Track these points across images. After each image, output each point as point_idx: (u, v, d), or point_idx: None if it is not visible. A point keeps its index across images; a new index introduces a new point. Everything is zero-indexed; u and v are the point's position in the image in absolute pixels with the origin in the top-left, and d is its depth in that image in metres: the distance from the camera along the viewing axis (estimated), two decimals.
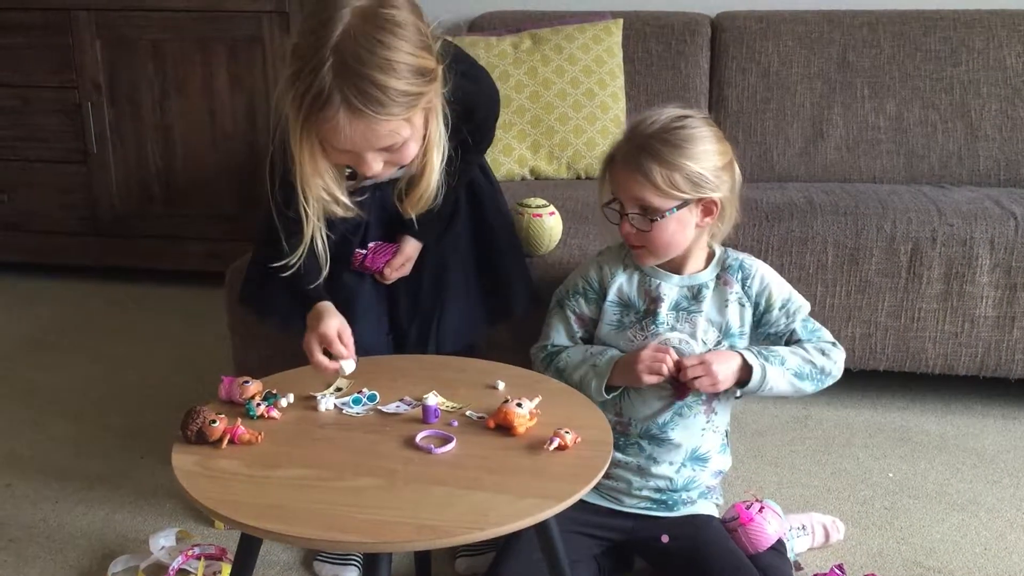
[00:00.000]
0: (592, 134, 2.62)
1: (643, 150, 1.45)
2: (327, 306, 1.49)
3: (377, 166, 1.35)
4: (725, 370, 1.46)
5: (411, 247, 1.67)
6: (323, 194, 1.39)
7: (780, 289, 1.55)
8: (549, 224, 1.93)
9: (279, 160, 1.41)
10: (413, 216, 1.54)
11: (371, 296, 1.68)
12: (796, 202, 2.25)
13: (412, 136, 1.34)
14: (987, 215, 2.14)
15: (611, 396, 1.51)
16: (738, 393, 1.53)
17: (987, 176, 2.62)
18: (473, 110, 1.56)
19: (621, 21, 2.77)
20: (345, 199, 1.43)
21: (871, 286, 2.15)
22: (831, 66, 2.70)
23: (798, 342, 1.55)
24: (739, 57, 2.75)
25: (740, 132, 2.72)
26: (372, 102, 1.25)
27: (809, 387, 1.52)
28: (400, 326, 1.70)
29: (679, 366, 1.45)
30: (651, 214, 1.47)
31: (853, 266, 2.14)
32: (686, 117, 1.48)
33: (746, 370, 1.47)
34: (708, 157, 1.46)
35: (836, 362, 1.54)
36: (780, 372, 1.49)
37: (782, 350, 1.52)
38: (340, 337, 1.42)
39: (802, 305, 1.56)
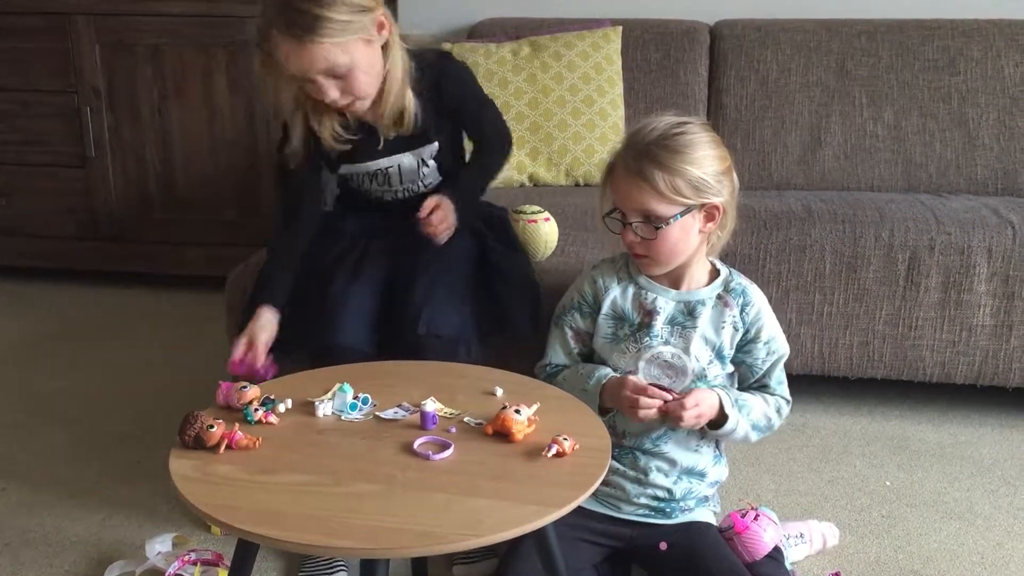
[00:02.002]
0: (591, 141, 2.63)
1: (644, 157, 1.45)
2: (268, 315, 1.65)
3: (332, 93, 1.57)
4: (708, 414, 1.47)
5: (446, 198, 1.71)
6: (299, 121, 1.64)
7: (771, 326, 1.57)
8: (544, 230, 1.93)
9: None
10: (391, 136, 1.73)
11: (360, 297, 1.68)
12: (794, 210, 2.25)
13: (357, 66, 1.56)
14: (985, 224, 2.15)
15: (608, 416, 1.52)
16: None
17: (985, 185, 2.62)
18: (460, 108, 1.77)
19: (620, 28, 2.78)
20: (329, 130, 1.67)
21: (869, 294, 2.15)
22: (829, 75, 2.71)
23: (765, 387, 1.58)
24: (738, 65, 2.76)
25: (738, 140, 2.73)
26: (302, 28, 1.49)
27: (754, 438, 1.55)
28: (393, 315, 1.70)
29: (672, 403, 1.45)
30: (655, 221, 1.46)
31: (851, 274, 2.15)
32: (685, 123, 1.48)
33: (720, 415, 1.49)
34: (709, 162, 1.46)
35: (783, 419, 1.58)
36: (745, 424, 1.51)
37: (752, 400, 1.54)
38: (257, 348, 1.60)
39: (783, 351, 1.58)
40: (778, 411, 1.57)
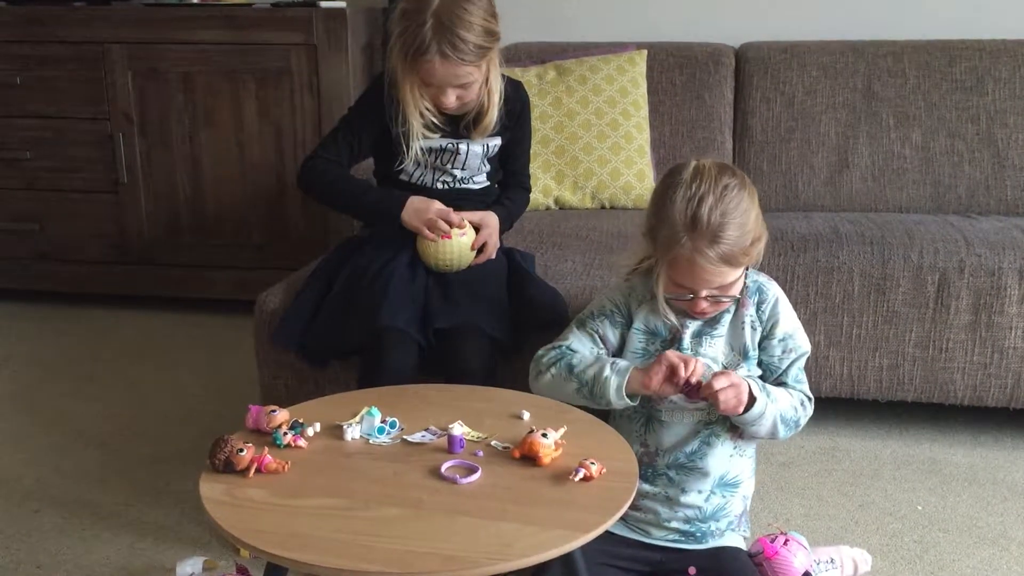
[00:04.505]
0: (616, 164, 2.63)
1: (717, 243, 1.41)
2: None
3: (451, 99, 1.81)
4: (741, 385, 1.44)
5: (491, 217, 1.91)
6: (418, 116, 1.84)
7: (787, 322, 1.55)
8: (460, 243, 1.85)
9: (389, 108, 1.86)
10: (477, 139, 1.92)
11: (408, 288, 1.80)
12: (822, 232, 2.24)
13: (478, 79, 1.81)
14: (1015, 245, 2.13)
15: (630, 400, 1.48)
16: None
17: (1014, 206, 2.60)
18: (516, 129, 1.99)
19: (645, 52, 2.79)
20: (432, 119, 1.86)
21: (898, 316, 2.14)
22: (856, 96, 2.70)
23: (783, 385, 1.55)
24: (763, 87, 2.76)
25: (765, 162, 2.73)
26: (459, 52, 1.74)
27: (783, 433, 1.52)
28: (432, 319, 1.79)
29: (699, 384, 1.43)
30: (731, 288, 1.48)
31: (880, 296, 2.13)
32: (724, 181, 1.44)
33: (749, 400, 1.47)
34: (755, 211, 1.46)
35: (807, 415, 1.55)
36: (774, 410, 1.48)
37: (776, 390, 1.51)
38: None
39: (803, 350, 1.56)
40: (802, 404, 1.54)
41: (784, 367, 1.55)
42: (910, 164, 2.66)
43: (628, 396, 1.47)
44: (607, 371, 1.48)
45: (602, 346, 1.59)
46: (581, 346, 1.58)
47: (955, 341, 2.13)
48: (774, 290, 1.56)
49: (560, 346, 1.59)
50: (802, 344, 1.56)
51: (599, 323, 1.59)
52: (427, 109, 1.85)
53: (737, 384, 1.42)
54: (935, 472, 2.12)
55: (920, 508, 1.97)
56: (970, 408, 2.24)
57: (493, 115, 1.89)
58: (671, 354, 1.44)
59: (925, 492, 2.04)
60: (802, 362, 1.56)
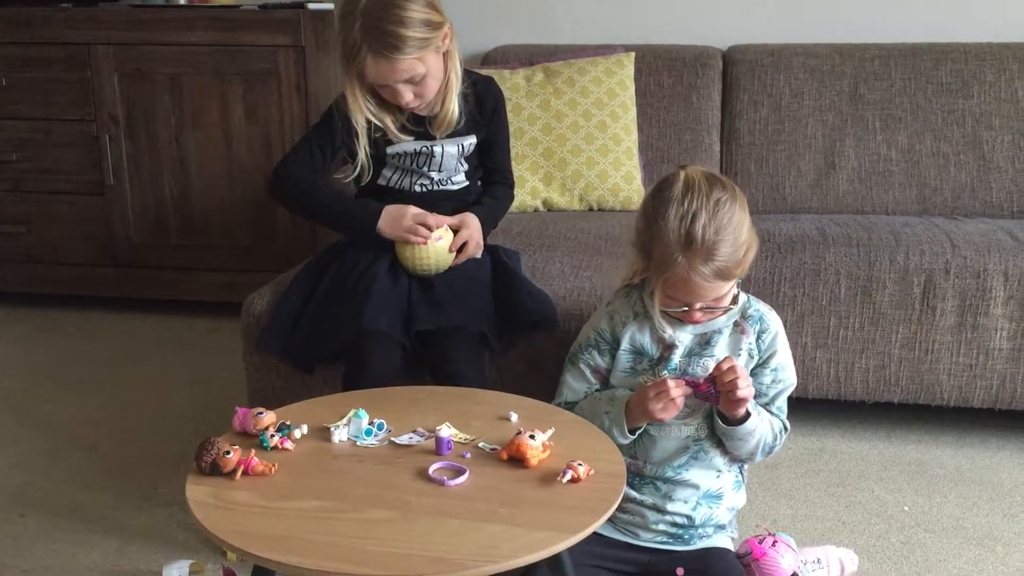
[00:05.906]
0: (604, 166, 2.64)
1: (713, 258, 1.41)
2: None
3: (407, 96, 1.78)
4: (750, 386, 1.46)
5: (471, 218, 1.89)
6: (362, 119, 1.82)
7: (782, 355, 1.56)
8: (437, 247, 1.84)
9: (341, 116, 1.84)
10: (439, 136, 1.89)
11: (390, 291, 1.78)
12: (808, 234, 2.25)
13: (429, 73, 1.78)
14: (1000, 247, 2.14)
15: (636, 436, 1.51)
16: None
17: (1000, 208, 2.62)
18: (492, 126, 1.97)
19: (633, 54, 2.79)
20: (388, 124, 1.84)
21: (884, 318, 2.15)
22: (842, 99, 2.71)
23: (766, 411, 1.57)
24: (751, 90, 2.77)
25: (752, 164, 2.73)
26: (390, 48, 1.71)
27: (759, 457, 1.55)
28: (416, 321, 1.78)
29: (710, 379, 1.44)
30: (725, 299, 1.49)
31: (866, 298, 2.14)
32: (715, 195, 1.42)
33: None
34: (748, 223, 1.46)
35: (782, 443, 1.57)
36: (762, 431, 1.50)
37: (764, 412, 1.53)
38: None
39: (791, 382, 1.57)
40: (780, 432, 1.56)
41: (771, 396, 1.57)
42: (896, 166, 2.67)
43: (632, 430, 1.50)
44: (607, 423, 1.50)
45: (594, 380, 1.60)
46: (575, 394, 1.60)
47: (941, 343, 2.14)
48: (775, 323, 1.57)
49: (560, 404, 1.60)
50: (791, 376, 1.58)
51: (588, 355, 1.60)
52: (371, 112, 1.82)
53: (745, 375, 1.43)
54: (921, 473, 2.13)
55: (906, 509, 1.98)
56: (956, 409, 2.25)
57: (451, 108, 1.85)
58: (653, 388, 1.45)
59: (911, 493, 2.05)
60: (787, 394, 1.58)
